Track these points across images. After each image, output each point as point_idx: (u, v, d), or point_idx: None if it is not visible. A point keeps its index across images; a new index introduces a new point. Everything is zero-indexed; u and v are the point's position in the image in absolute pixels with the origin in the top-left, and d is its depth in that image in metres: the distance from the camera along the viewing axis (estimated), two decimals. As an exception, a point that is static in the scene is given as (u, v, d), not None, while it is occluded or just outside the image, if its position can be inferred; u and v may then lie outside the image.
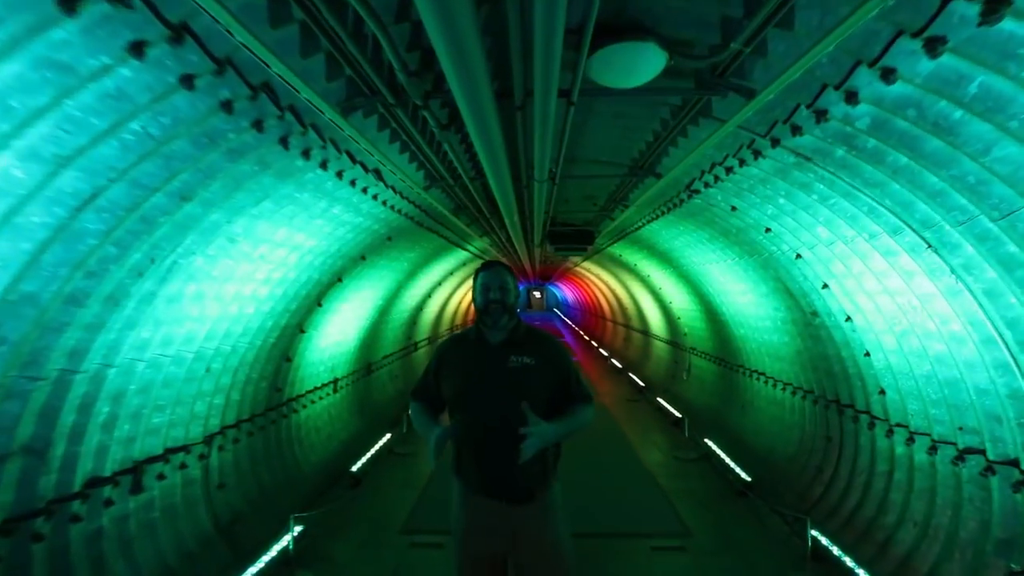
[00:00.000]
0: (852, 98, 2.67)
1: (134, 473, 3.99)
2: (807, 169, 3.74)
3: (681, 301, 10.26)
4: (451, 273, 12.14)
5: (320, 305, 5.98)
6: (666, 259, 8.75)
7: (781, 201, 4.45)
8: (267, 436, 5.95)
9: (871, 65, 2.42)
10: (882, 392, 4.98)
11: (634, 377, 13.75)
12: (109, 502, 3.73)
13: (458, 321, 19.00)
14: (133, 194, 2.63)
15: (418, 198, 5.47)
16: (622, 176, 5.51)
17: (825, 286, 4.97)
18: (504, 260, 14.90)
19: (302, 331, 5.99)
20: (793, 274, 5.39)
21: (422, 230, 6.67)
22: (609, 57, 2.63)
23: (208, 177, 2.95)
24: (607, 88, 3.00)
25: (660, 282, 10.69)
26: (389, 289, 8.52)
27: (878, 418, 5.09)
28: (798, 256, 5.00)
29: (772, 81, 2.70)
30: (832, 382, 5.73)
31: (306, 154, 3.31)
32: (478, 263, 14.55)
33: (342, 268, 5.90)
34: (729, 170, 4.37)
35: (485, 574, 2.35)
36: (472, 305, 22.42)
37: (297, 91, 2.51)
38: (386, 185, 4.62)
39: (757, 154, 3.84)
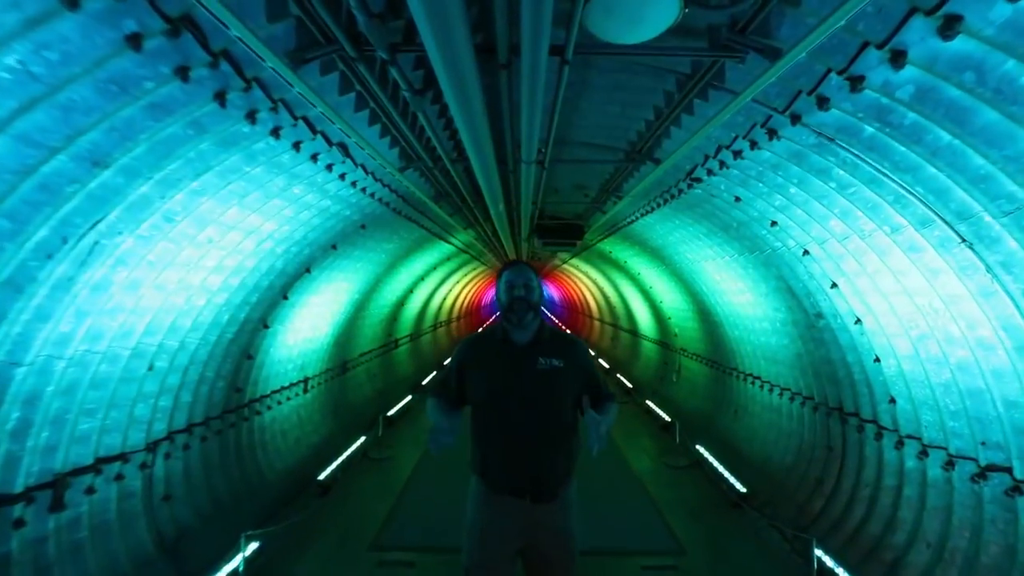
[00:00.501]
0: (899, 59, 2.24)
1: (54, 487, 3.45)
2: (828, 152, 3.32)
3: (672, 300, 9.88)
4: (434, 268, 11.63)
5: (286, 298, 5.46)
6: (659, 256, 8.35)
7: (792, 190, 4.04)
8: (224, 441, 5.42)
9: (929, 13, 1.99)
10: (892, 401, 4.61)
11: (622, 378, 13.38)
12: (20, 523, 3.20)
13: (442, 319, 18.49)
14: (22, 152, 2.12)
15: (393, 181, 4.98)
16: (617, 163, 5.07)
17: (834, 285, 4.58)
18: (491, 255, 14.41)
19: (265, 326, 5.46)
20: (798, 272, 5.00)
21: (400, 219, 6.17)
22: (611, 1, 2.18)
23: (126, 138, 2.44)
24: (607, 46, 2.55)
25: (651, 280, 10.30)
26: (366, 282, 8.00)
27: (886, 428, 4.72)
28: (806, 252, 4.60)
29: (803, 38, 2.27)
30: (835, 388, 5.36)
31: (252, 117, 2.81)
32: (464, 259, 14.10)
33: (310, 258, 5.38)
34: (737, 154, 3.95)
35: (500, 572, 2.32)
36: (458, 304, 21.51)
37: (227, 27, 2.02)
38: (355, 163, 4.12)
39: (772, 134, 3.42)
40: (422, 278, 11.55)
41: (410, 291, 11.53)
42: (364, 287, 8.10)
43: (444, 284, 15.38)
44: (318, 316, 6.87)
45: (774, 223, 4.59)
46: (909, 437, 4.46)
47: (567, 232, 8.73)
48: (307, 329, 6.74)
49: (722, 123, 3.46)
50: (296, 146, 3.38)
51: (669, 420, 9.19)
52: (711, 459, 7.06)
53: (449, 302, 18.86)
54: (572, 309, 26.31)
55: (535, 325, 2.37)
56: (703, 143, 4.04)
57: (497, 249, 13.56)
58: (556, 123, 3.62)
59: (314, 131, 3.35)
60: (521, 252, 14.82)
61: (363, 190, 4.78)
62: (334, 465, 6.72)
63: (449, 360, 2.59)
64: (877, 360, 4.60)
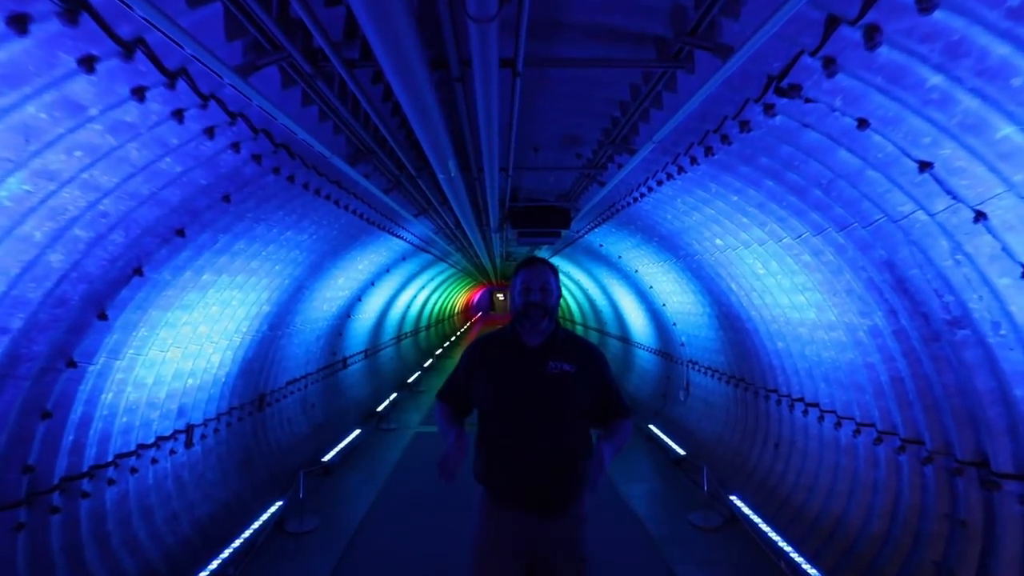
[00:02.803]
0: None
1: None
2: None
3: (679, 303, 8.01)
4: (387, 270, 9.55)
5: (104, 318, 3.35)
6: (668, 246, 6.46)
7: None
8: (11, 546, 3.28)
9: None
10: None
11: (614, 394, 11.46)
12: None
13: (407, 329, 16.36)
14: None
15: (270, 124, 2.96)
16: (649, 64, 3.09)
17: None
18: (458, 255, 12.39)
19: (71, 364, 3.35)
20: (917, 258, 3.15)
21: (300, 190, 4.11)
22: None
23: None
24: None
25: (652, 279, 8.42)
26: (282, 290, 5.90)
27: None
28: (980, 216, 2.73)
29: None
30: (972, 433, 3.52)
31: None
32: (426, 259, 12.04)
33: (143, 252, 3.29)
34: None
35: None
36: (431, 312, 19.53)
37: None
38: (194, 90, 2.09)
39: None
40: (372, 283, 9.46)
41: (358, 299, 9.42)
42: (280, 296, 5.99)
43: (408, 289, 13.29)
44: (196, 339, 4.75)
45: (926, 165, 2.67)
46: None
47: (549, 219, 6.78)
48: (180, 359, 4.62)
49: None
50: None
51: (683, 454, 7.30)
52: (758, 520, 5.17)
53: (415, 311, 16.75)
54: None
55: (550, 328, 2.21)
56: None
57: (466, 249, 11.55)
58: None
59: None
60: (493, 251, 12.87)
61: (208, 131, 2.72)
62: (229, 550, 4.62)
63: (458, 362, 2.38)
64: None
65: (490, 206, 5.62)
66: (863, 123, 2.50)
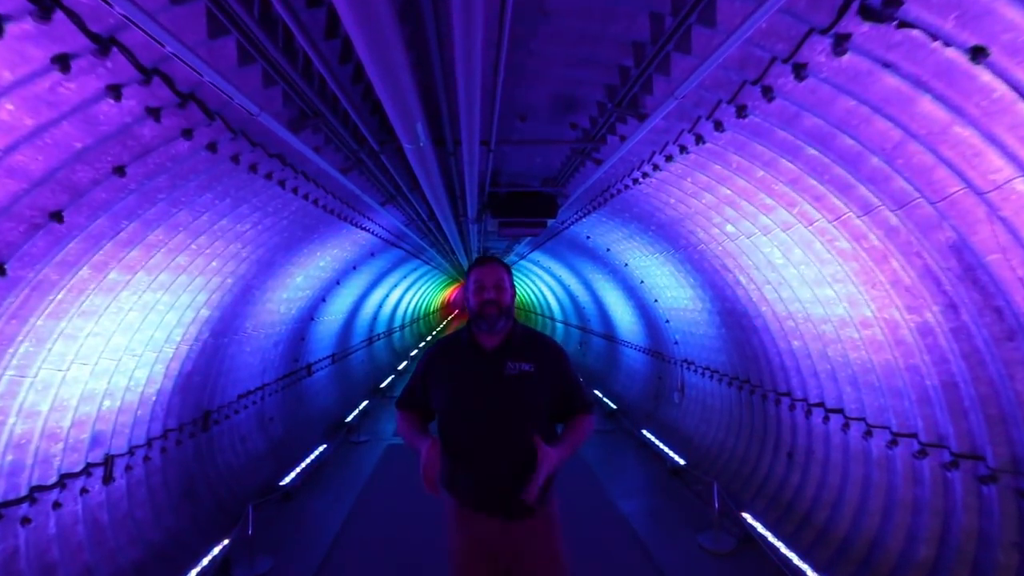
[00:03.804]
0: None
1: None
2: None
3: (674, 298, 7.40)
4: (354, 267, 8.70)
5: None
6: (666, 235, 5.81)
7: None
8: None
9: None
10: None
11: (599, 395, 10.84)
12: None
13: (380, 330, 15.46)
14: None
15: (168, 64, 2.16)
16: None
17: None
18: (432, 250, 11.58)
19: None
20: (1002, 240, 2.54)
21: (229, 166, 3.29)
22: None
23: None
24: None
25: (643, 273, 7.78)
26: (225, 290, 5.04)
27: None
28: None
29: None
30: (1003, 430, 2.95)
31: None
32: (399, 255, 11.20)
33: (0, 243, 2.44)
34: None
35: None
36: (409, 310, 18.61)
37: None
38: None
39: None
40: (337, 282, 8.59)
41: (322, 299, 8.55)
42: (225, 298, 5.12)
43: (378, 289, 12.42)
44: (116, 352, 3.89)
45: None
46: None
47: (533, 207, 6.06)
48: (88, 379, 3.75)
49: None
50: None
51: (683, 463, 6.68)
52: (777, 542, 4.56)
53: (387, 310, 15.86)
54: (527, 310, 23.81)
55: (506, 328, 2.13)
56: None
57: (441, 244, 10.74)
58: None
59: None
60: (470, 247, 12.10)
61: (58, 62, 1.90)
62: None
63: (415, 368, 2.30)
64: None
65: (468, 191, 4.87)
66: (979, 53, 1.84)
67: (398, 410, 2.30)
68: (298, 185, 4.10)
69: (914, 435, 3.91)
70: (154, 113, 2.32)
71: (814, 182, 3.21)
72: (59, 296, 3.06)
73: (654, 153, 3.94)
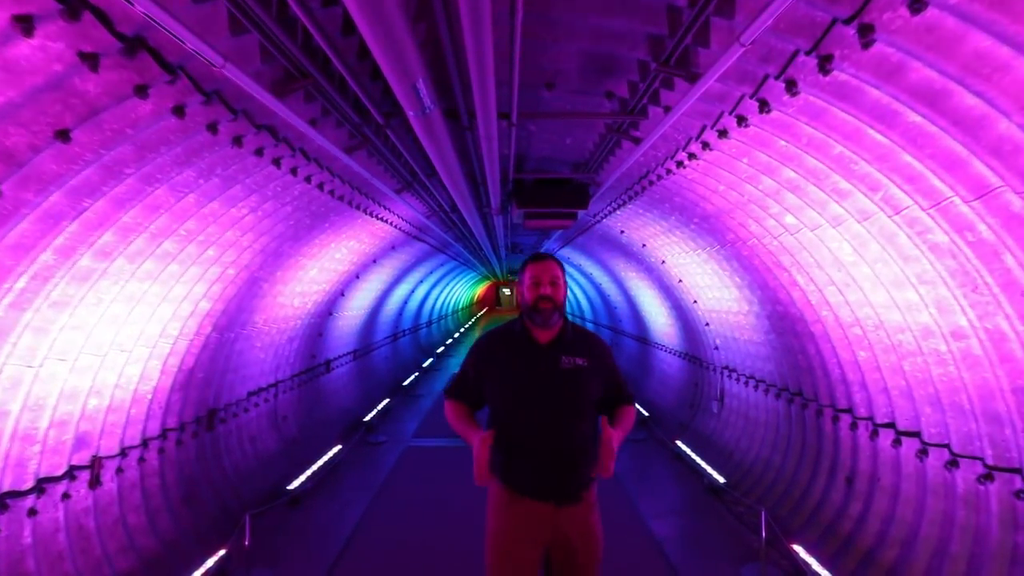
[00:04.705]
0: None
1: None
2: None
3: (716, 300, 6.75)
4: (375, 260, 8.33)
5: None
6: (712, 228, 5.19)
7: None
8: None
9: None
10: None
11: (631, 400, 10.19)
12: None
13: (405, 327, 15.17)
14: None
15: (115, 8, 1.72)
16: None
17: None
18: (458, 245, 11.16)
19: None
20: None
21: (207, 137, 2.88)
22: None
23: None
24: None
25: (682, 271, 7.15)
26: (227, 281, 4.69)
27: None
28: None
29: None
30: None
31: None
32: (424, 250, 10.81)
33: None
34: None
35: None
36: (437, 306, 18.38)
37: None
38: None
39: None
40: (357, 276, 8.25)
41: (340, 294, 8.22)
42: (229, 290, 4.78)
43: (402, 284, 12.08)
44: (101, 347, 3.55)
45: None
46: None
47: (563, 196, 5.52)
48: (68, 375, 3.42)
49: None
50: None
51: (723, 482, 6.04)
52: (838, 587, 3.93)
53: (413, 306, 15.57)
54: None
55: (559, 323, 2.25)
56: None
57: (467, 239, 10.31)
58: None
59: None
60: (497, 243, 11.63)
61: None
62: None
63: (465, 358, 2.38)
64: None
65: (488, 176, 4.37)
66: None
67: (447, 398, 2.37)
68: (297, 165, 3.68)
69: (1016, 470, 3.23)
70: (90, 61, 1.90)
71: (910, 158, 2.59)
72: (20, 284, 2.70)
73: (704, 128, 3.35)
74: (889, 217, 3.07)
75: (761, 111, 2.76)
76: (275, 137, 3.13)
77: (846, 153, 2.86)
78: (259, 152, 3.17)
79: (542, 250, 13.32)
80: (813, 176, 3.26)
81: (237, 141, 2.92)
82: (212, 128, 2.67)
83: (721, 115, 3.09)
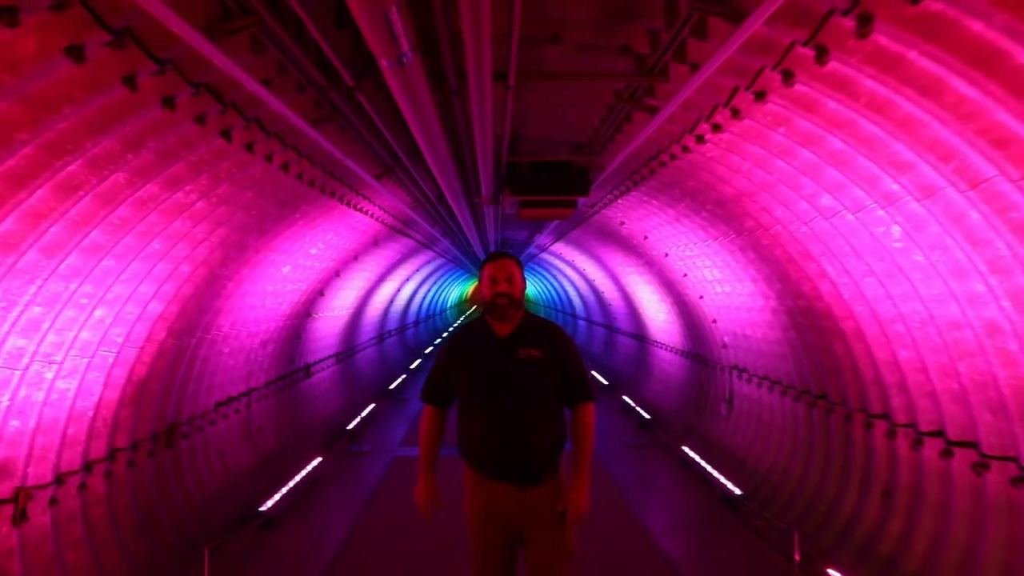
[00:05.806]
0: None
1: None
2: None
3: (727, 294, 6.26)
4: (355, 257, 7.73)
5: None
6: (728, 214, 4.69)
7: None
8: None
9: None
10: None
11: (630, 402, 9.72)
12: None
13: (391, 327, 14.55)
14: None
15: None
16: None
17: None
18: (446, 240, 10.58)
19: None
20: None
21: (123, 93, 2.29)
22: None
23: None
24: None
25: (689, 264, 6.65)
26: (182, 280, 4.09)
27: None
28: None
29: None
30: None
31: None
32: (410, 246, 10.23)
33: None
34: None
35: (500, 551, 2.36)
36: (424, 304, 17.84)
37: None
38: None
39: None
40: (337, 273, 7.65)
41: (319, 293, 7.61)
42: (185, 290, 4.18)
43: (387, 282, 11.49)
44: (20, 359, 2.95)
45: None
46: None
47: (562, 182, 4.98)
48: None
49: None
50: None
51: (740, 493, 5.55)
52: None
53: (400, 305, 14.96)
54: (554, 308, 22.71)
55: (517, 317, 2.38)
56: None
57: (455, 234, 9.74)
58: None
59: None
60: (486, 238, 11.07)
61: None
62: None
63: (436, 355, 2.61)
64: None
65: (480, 155, 3.82)
66: None
67: (424, 403, 2.52)
68: (253, 140, 3.10)
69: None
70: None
71: (1005, 115, 2.08)
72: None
73: (735, 91, 2.82)
74: (961, 192, 2.56)
75: (818, 60, 2.23)
76: (220, 101, 2.55)
77: (917, 114, 2.35)
78: (201, 120, 2.59)
79: (533, 246, 12.79)
80: (866, 146, 2.74)
81: (168, 103, 2.33)
82: (129, 82, 2.09)
83: (761, 71, 2.56)
